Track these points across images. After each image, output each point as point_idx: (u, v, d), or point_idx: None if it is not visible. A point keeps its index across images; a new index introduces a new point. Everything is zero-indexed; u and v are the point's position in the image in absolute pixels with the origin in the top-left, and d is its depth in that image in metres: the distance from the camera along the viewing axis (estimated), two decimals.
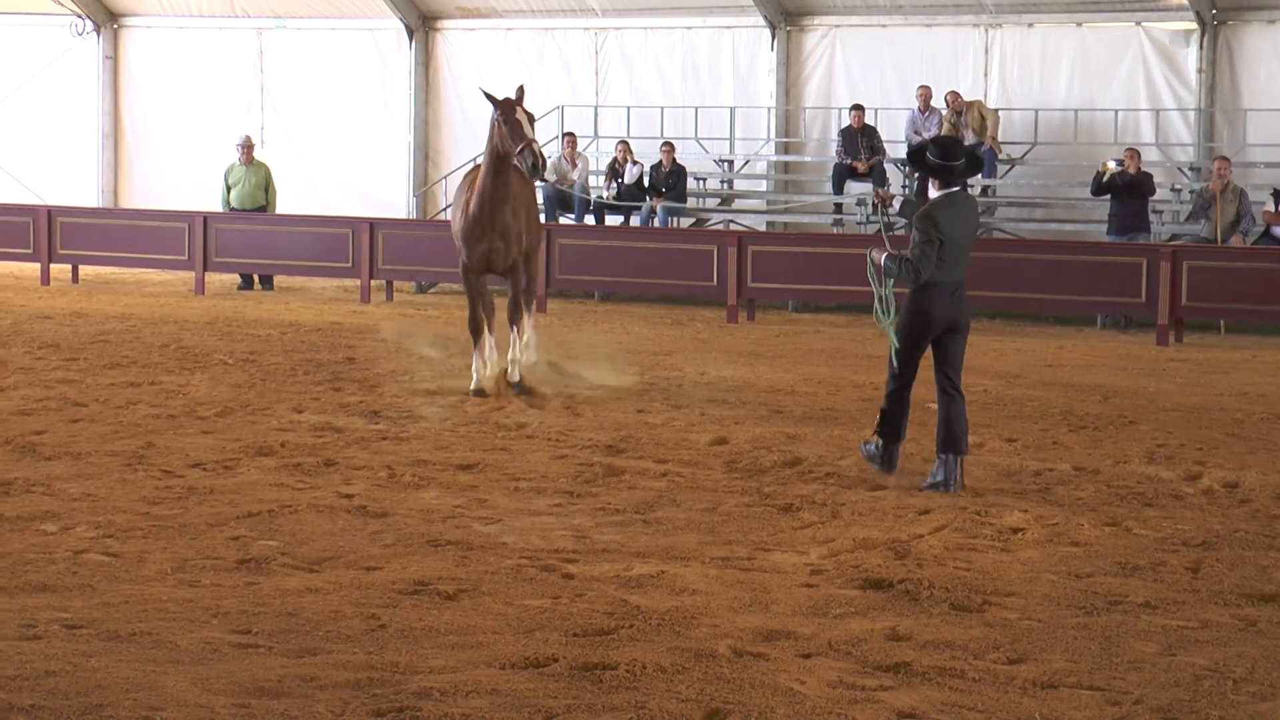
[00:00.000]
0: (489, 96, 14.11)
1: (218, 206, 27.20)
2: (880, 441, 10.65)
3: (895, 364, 10.66)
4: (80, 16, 33.54)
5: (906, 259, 10.43)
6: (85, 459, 10.54)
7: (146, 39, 33.95)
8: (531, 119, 14.02)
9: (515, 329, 14.35)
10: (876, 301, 10.78)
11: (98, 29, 33.77)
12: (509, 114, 13.70)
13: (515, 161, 13.64)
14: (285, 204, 27.81)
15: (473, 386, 14.04)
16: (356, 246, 24.65)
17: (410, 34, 31.91)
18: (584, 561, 8.04)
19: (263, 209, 26.90)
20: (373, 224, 24.91)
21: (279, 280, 26.79)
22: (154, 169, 33.49)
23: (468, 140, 30.84)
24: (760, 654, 6.49)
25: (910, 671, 6.31)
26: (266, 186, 27.26)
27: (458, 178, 30.20)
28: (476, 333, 14.41)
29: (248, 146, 27.37)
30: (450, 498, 9.64)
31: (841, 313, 23.19)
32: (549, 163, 27.86)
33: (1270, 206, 22.69)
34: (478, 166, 14.79)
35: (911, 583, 7.68)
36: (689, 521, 9.14)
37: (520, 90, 14.25)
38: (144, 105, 33.87)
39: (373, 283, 24.73)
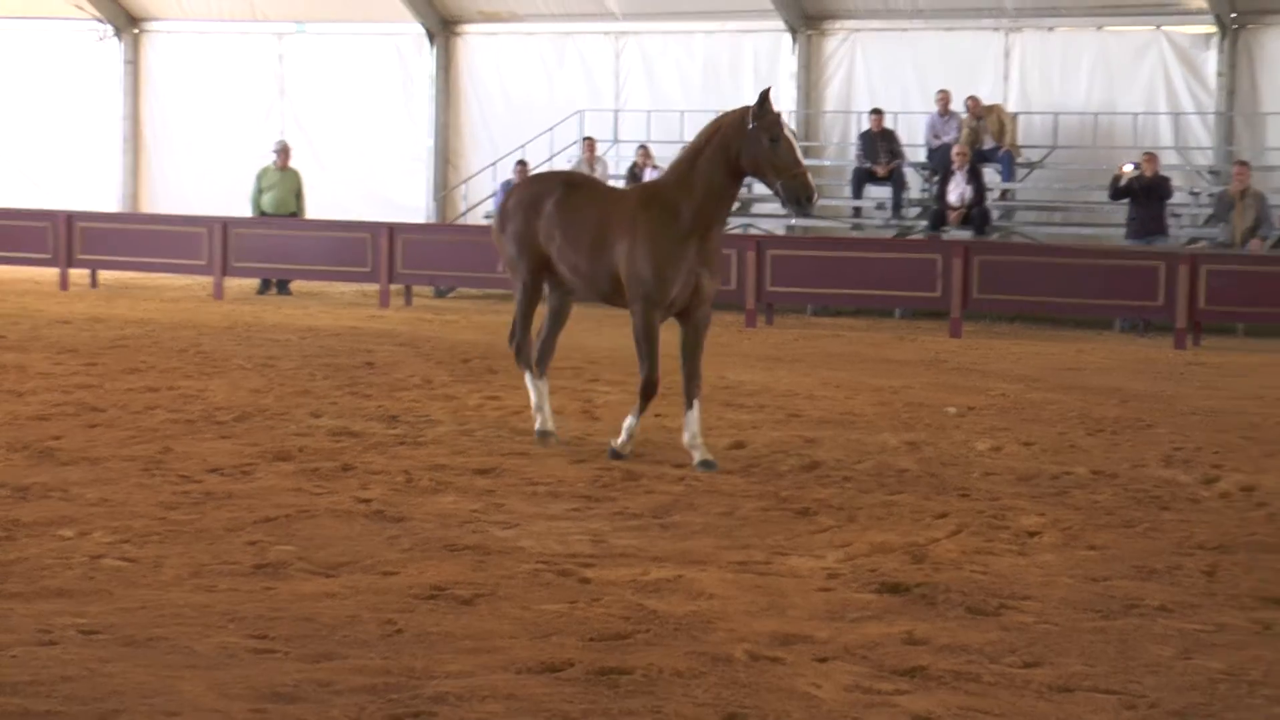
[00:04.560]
0: (765, 99, 10.87)
1: (238, 210, 27.30)
2: None
3: None
4: (101, 21, 33.68)
5: None
6: (103, 464, 10.56)
7: (167, 44, 34.07)
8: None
9: (694, 398, 11.31)
10: None
11: (119, 34, 33.90)
12: (780, 129, 10.83)
13: (776, 190, 10.93)
14: (306, 209, 27.88)
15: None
16: (375, 251, 24.71)
17: (431, 38, 31.98)
18: (601, 566, 8.04)
19: (293, 215, 26.97)
20: (392, 228, 24.97)
21: (298, 285, 26.85)
22: (174, 174, 33.62)
23: (487, 145, 30.96)
24: (777, 658, 6.49)
25: (926, 675, 6.31)
26: (298, 194, 27.37)
27: (478, 182, 30.50)
28: (650, 393, 11.42)
29: (284, 151, 27.48)
30: (467, 502, 9.65)
31: (860, 316, 23.20)
32: (570, 168, 27.94)
33: None
34: (533, 175, 13.70)
35: (928, 586, 7.68)
36: (706, 525, 9.14)
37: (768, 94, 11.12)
38: (164, 110, 33.99)
39: (391, 287, 24.78)
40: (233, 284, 26.40)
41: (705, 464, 10.93)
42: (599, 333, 20.90)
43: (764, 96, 10.91)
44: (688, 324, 11.38)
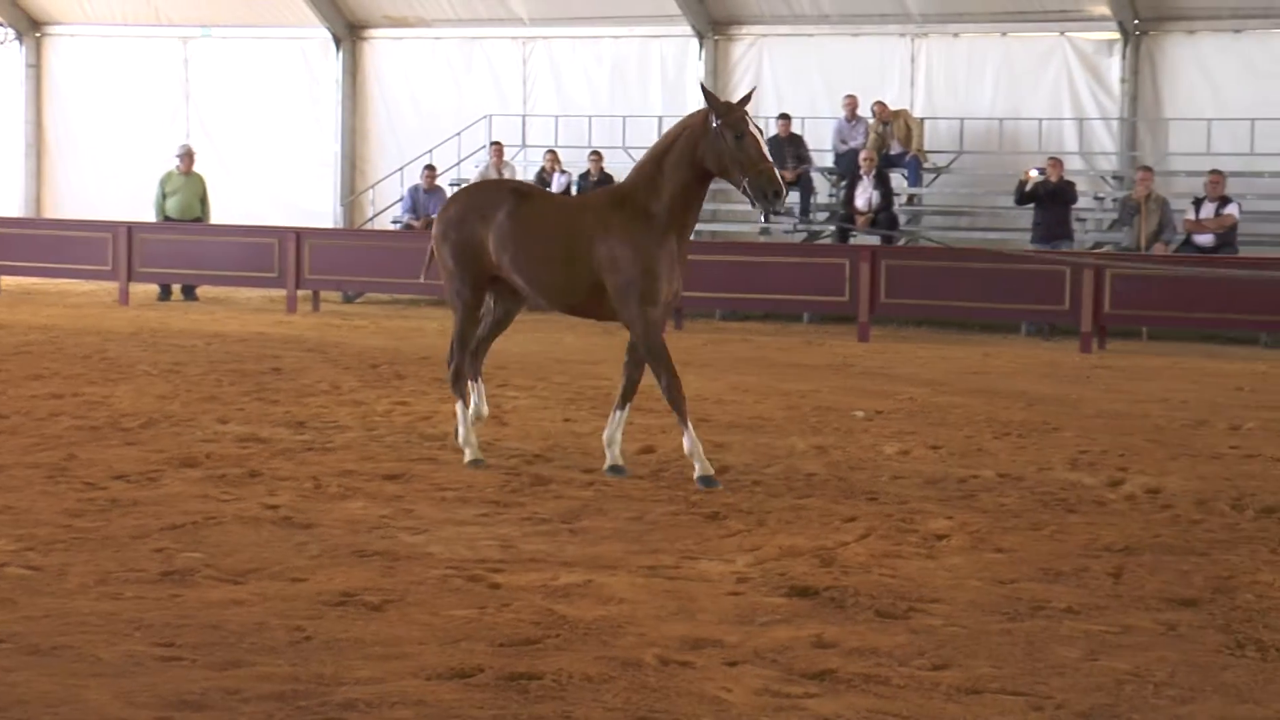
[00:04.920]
0: (708, 94, 10.79)
1: (143, 215, 27.07)
2: None
3: None
4: (3, 25, 33.32)
5: None
6: (6, 471, 10.45)
7: (70, 47, 33.76)
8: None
9: (628, 404, 11.29)
10: None
11: (20, 37, 33.56)
12: (744, 126, 10.64)
13: (743, 189, 10.68)
14: (211, 213, 27.70)
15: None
16: (283, 256, 24.58)
17: (337, 43, 31.85)
18: (510, 571, 8.03)
19: (198, 220, 26.79)
20: (299, 234, 24.84)
21: (204, 290, 26.66)
22: (78, 178, 33.33)
23: (394, 150, 30.88)
24: (686, 662, 6.49)
25: (835, 679, 6.33)
26: (203, 198, 27.18)
27: (385, 188, 30.38)
28: (682, 403, 10.93)
29: (188, 156, 27.27)
30: (376, 508, 9.61)
31: (769, 321, 23.26)
32: (478, 173, 27.89)
33: (1192, 215, 22.90)
34: (476, 183, 13.10)
35: (837, 590, 7.71)
36: (615, 530, 9.14)
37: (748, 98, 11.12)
38: (68, 114, 33.69)
39: (299, 293, 24.65)
40: (138, 290, 26.17)
41: (615, 469, 10.87)
42: (509, 337, 20.83)
43: (746, 99, 10.94)
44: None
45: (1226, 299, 20.29)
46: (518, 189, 11.77)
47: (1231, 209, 22.75)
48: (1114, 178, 27.04)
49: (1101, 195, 26.69)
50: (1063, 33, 27.51)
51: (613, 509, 9.71)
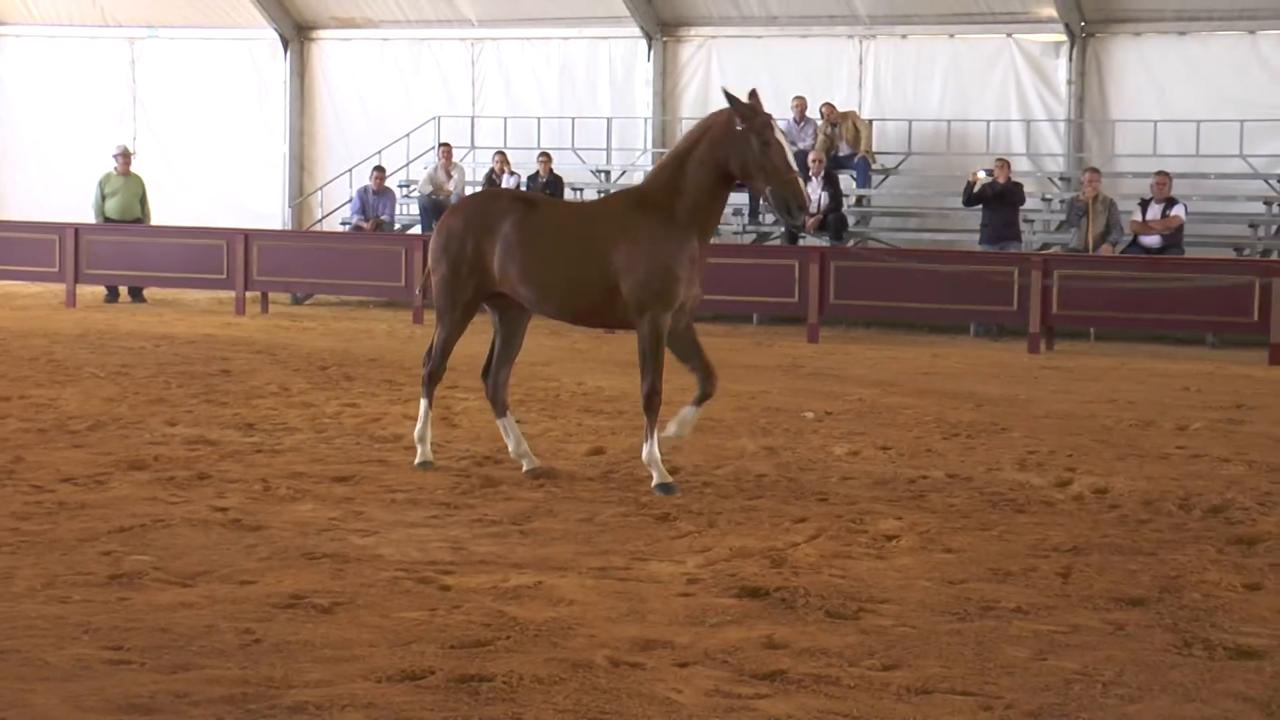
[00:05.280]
0: (733, 98, 10.55)
1: (90, 217, 26.91)
2: None
3: None
4: None
5: None
6: None
7: (16, 48, 33.57)
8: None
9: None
10: None
11: None
12: (770, 133, 10.39)
13: (765, 197, 10.49)
14: (158, 215, 27.60)
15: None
16: (231, 258, 24.48)
17: (285, 44, 31.76)
18: (461, 573, 8.02)
19: (138, 221, 26.66)
20: (247, 235, 24.75)
21: (152, 292, 26.54)
22: (24, 180, 33.13)
23: (343, 151, 30.81)
24: (637, 664, 6.50)
25: (786, 679, 6.34)
26: (143, 199, 27.03)
27: (334, 189, 30.30)
28: (656, 405, 10.75)
29: (125, 157, 27.12)
30: (326, 510, 9.58)
31: (718, 322, 23.28)
32: (426, 174, 27.85)
33: (1138, 216, 23.02)
34: (479, 193, 12.68)
35: (787, 591, 7.72)
36: (566, 532, 9.14)
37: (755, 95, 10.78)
38: (14, 116, 33.50)
39: (248, 294, 24.56)
40: (85, 291, 26.03)
41: (664, 487, 10.40)
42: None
43: (753, 95, 10.60)
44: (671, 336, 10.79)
45: (1173, 300, 20.40)
46: (523, 198, 11.55)
47: (1178, 210, 22.88)
48: (1061, 179, 27.17)
49: (1049, 196, 26.82)
50: (1010, 35, 27.63)
51: (563, 511, 9.71)
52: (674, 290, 10.52)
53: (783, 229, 24.90)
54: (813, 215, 24.89)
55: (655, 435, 10.62)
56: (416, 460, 11.17)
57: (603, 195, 25.21)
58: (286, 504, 9.74)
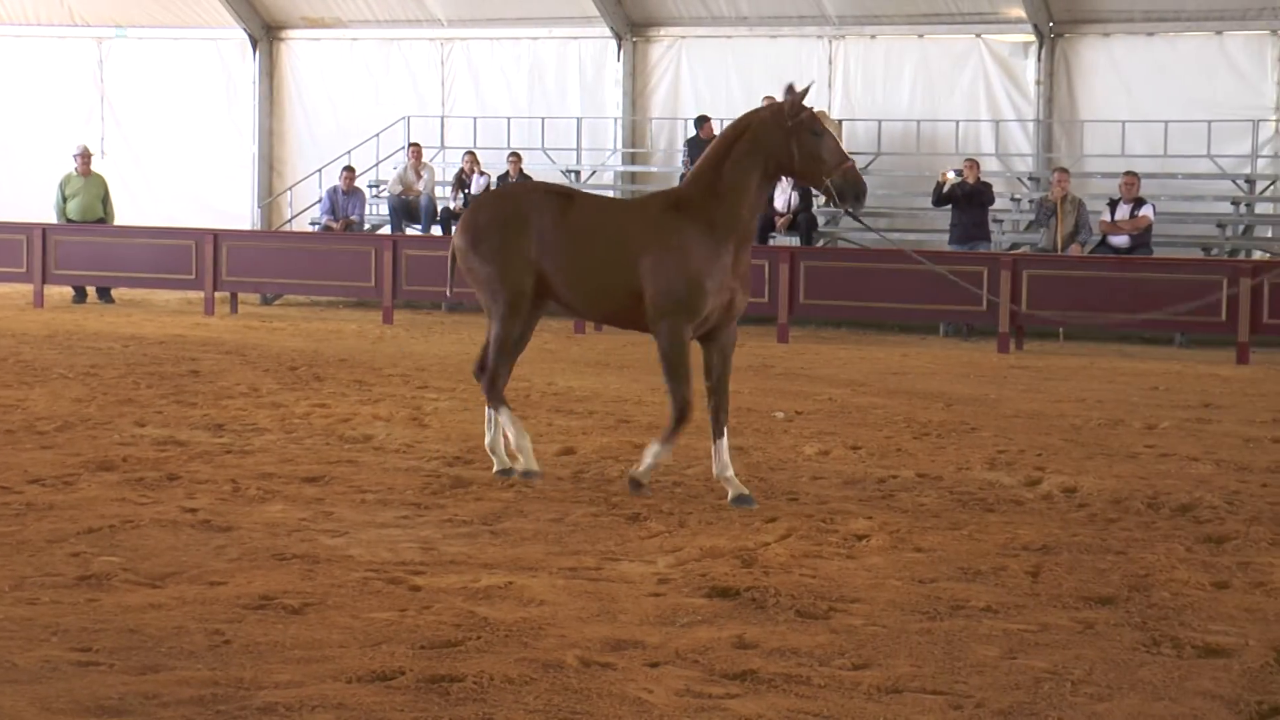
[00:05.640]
0: (788, 95, 10.23)
1: (53, 218, 26.83)
2: None
3: None
4: None
5: None
6: None
7: None
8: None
9: (724, 426, 10.53)
10: None
11: None
12: (821, 123, 10.24)
13: (825, 188, 10.24)
14: (127, 215, 27.54)
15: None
16: (200, 258, 24.43)
17: (254, 44, 31.69)
18: (431, 573, 8.01)
19: (100, 221, 26.58)
20: (216, 235, 24.69)
21: (120, 293, 26.46)
22: None
23: (312, 151, 30.76)
24: (608, 664, 6.50)
25: (757, 679, 6.35)
26: (104, 199, 26.94)
27: (303, 189, 30.24)
28: (687, 417, 10.51)
29: (85, 157, 27.03)
30: (296, 511, 9.56)
31: None
32: (396, 174, 27.82)
33: (1106, 216, 23.09)
34: (505, 188, 12.20)
35: (758, 590, 7.73)
36: (536, 532, 9.14)
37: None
38: None
39: (217, 295, 24.50)
40: (53, 292, 25.95)
41: (741, 499, 10.04)
42: (427, 339, 20.82)
43: (791, 89, 10.26)
44: (714, 345, 10.48)
45: (1142, 300, 20.46)
46: (560, 191, 11.10)
47: (1146, 210, 22.96)
48: (1030, 179, 27.24)
49: (1018, 197, 26.90)
50: (979, 35, 27.69)
51: (533, 511, 9.70)
52: (699, 300, 10.18)
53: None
54: (782, 215, 24.93)
55: (668, 443, 10.42)
56: (520, 470, 10.70)
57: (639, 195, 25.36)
58: (256, 505, 9.72)
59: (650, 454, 10.45)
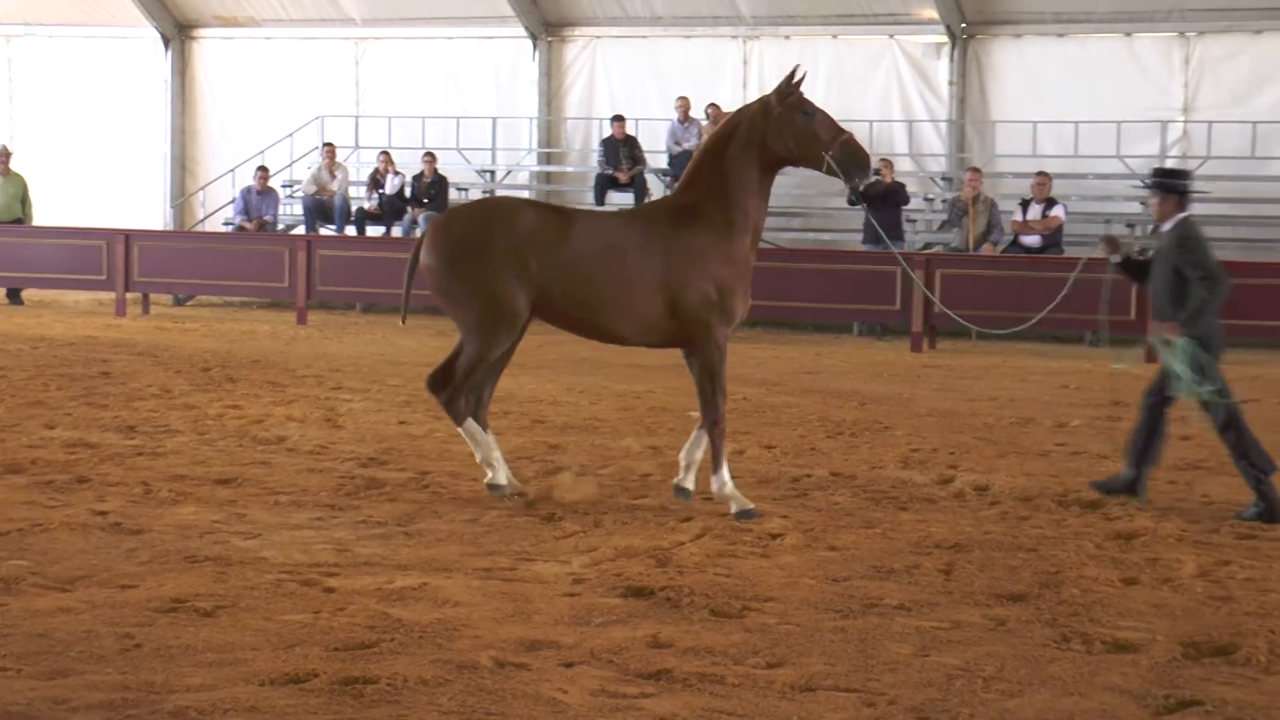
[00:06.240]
0: (793, 85, 10.13)
1: None
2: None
3: (1221, 403, 10.13)
4: None
5: (1193, 295, 10.06)
6: None
7: None
8: None
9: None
10: (1192, 382, 10.14)
11: None
12: (810, 104, 10.17)
13: (827, 166, 10.13)
14: (37, 215, 27.24)
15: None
16: (111, 258, 24.21)
17: (166, 43, 31.45)
18: (345, 575, 7.98)
19: (19, 221, 26.31)
20: (128, 236, 24.48)
21: (30, 294, 26.21)
22: None
23: (226, 151, 30.53)
24: (523, 664, 6.49)
25: (671, 678, 6.36)
26: (23, 199, 26.68)
27: (217, 189, 30.04)
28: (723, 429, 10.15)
29: (4, 157, 26.74)
30: (208, 513, 9.50)
31: None
32: (310, 174, 27.68)
33: (1019, 216, 23.25)
34: (476, 203, 11.50)
35: (672, 590, 7.74)
36: (451, 533, 9.12)
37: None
38: None
39: (128, 295, 24.30)
40: None
41: (745, 513, 9.73)
42: (341, 340, 20.73)
43: (790, 78, 10.12)
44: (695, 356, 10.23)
45: (1053, 299, 20.57)
46: (549, 207, 10.58)
47: (1058, 210, 23.13)
48: (943, 179, 27.39)
49: (931, 196, 27.04)
50: (892, 35, 27.82)
51: (448, 511, 9.68)
52: (734, 304, 10.11)
53: None
54: None
55: (725, 462, 9.99)
56: (490, 480, 10.14)
57: (632, 206, 25.23)
58: (168, 507, 9.65)
59: (726, 490, 9.89)
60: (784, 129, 10.09)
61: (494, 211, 10.39)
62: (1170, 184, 10.48)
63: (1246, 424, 10.27)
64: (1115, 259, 10.79)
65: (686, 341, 10.17)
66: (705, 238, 10.06)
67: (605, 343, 10.59)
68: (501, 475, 10.14)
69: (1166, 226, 10.51)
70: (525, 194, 29.79)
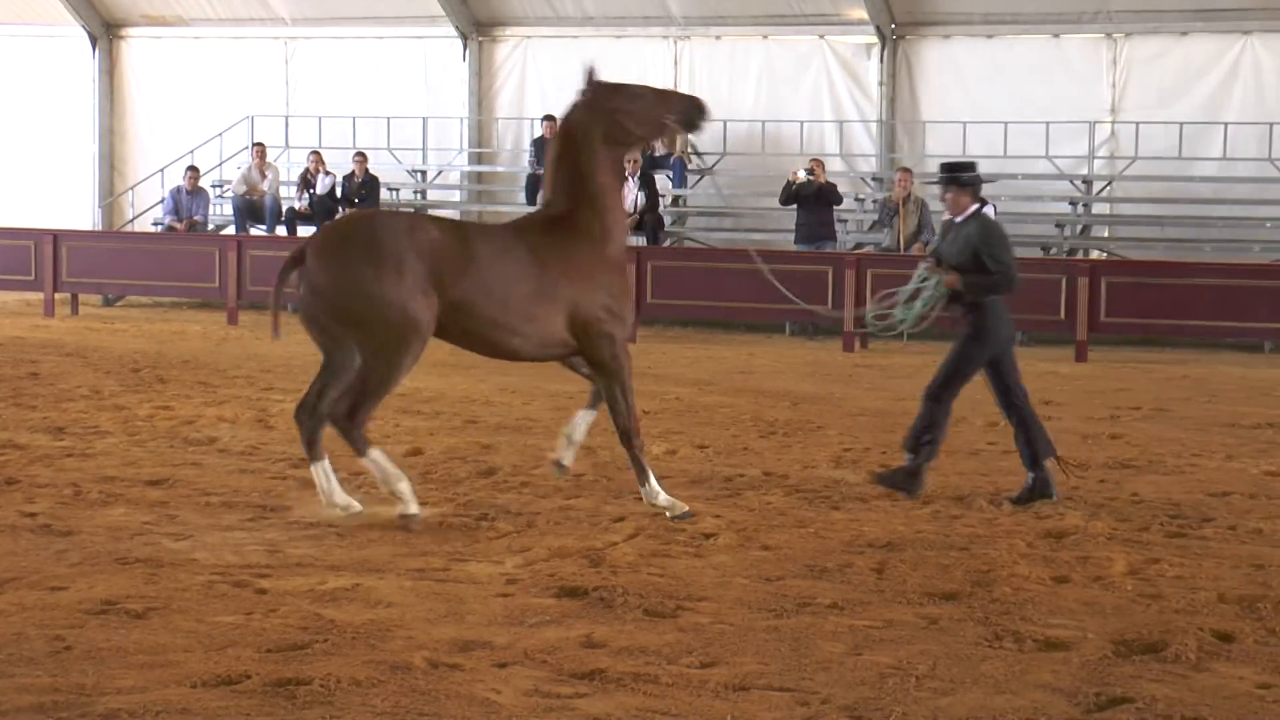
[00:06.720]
0: (594, 81, 10.00)
1: None
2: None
3: (951, 380, 10.85)
4: None
5: (989, 275, 10.77)
6: None
7: None
8: None
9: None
10: (904, 317, 10.60)
11: None
12: (620, 85, 10.11)
13: (670, 129, 10.21)
14: None
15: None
16: (39, 258, 24.05)
17: (94, 42, 31.22)
18: (277, 576, 7.95)
19: None
20: (56, 235, 24.32)
21: None
22: None
23: (154, 151, 30.35)
24: (456, 665, 6.49)
25: (605, 678, 6.37)
26: None
27: (145, 189, 29.87)
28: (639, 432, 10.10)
29: None
30: (139, 514, 9.45)
31: None
32: (240, 174, 27.55)
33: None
34: (365, 217, 10.58)
35: (606, 590, 7.75)
36: (383, 534, 9.10)
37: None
38: None
39: (57, 296, 24.13)
40: None
41: (684, 516, 9.68)
42: (272, 341, 20.61)
43: (589, 74, 9.95)
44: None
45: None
46: (438, 219, 10.11)
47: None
48: (874, 179, 27.48)
49: (862, 196, 27.11)
50: (822, 36, 27.88)
51: (380, 512, 9.64)
52: (627, 309, 10.03)
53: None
54: (629, 215, 24.96)
55: (650, 471, 9.86)
56: (401, 510, 9.49)
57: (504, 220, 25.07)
58: (98, 508, 9.59)
59: (659, 500, 9.75)
60: (617, 117, 9.92)
61: (393, 224, 9.71)
62: (963, 178, 10.99)
63: (1033, 410, 10.92)
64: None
65: (585, 354, 9.97)
66: (589, 248, 9.88)
67: (499, 359, 10.25)
68: (413, 505, 9.48)
69: (960, 219, 11.32)
70: (456, 194, 29.75)
